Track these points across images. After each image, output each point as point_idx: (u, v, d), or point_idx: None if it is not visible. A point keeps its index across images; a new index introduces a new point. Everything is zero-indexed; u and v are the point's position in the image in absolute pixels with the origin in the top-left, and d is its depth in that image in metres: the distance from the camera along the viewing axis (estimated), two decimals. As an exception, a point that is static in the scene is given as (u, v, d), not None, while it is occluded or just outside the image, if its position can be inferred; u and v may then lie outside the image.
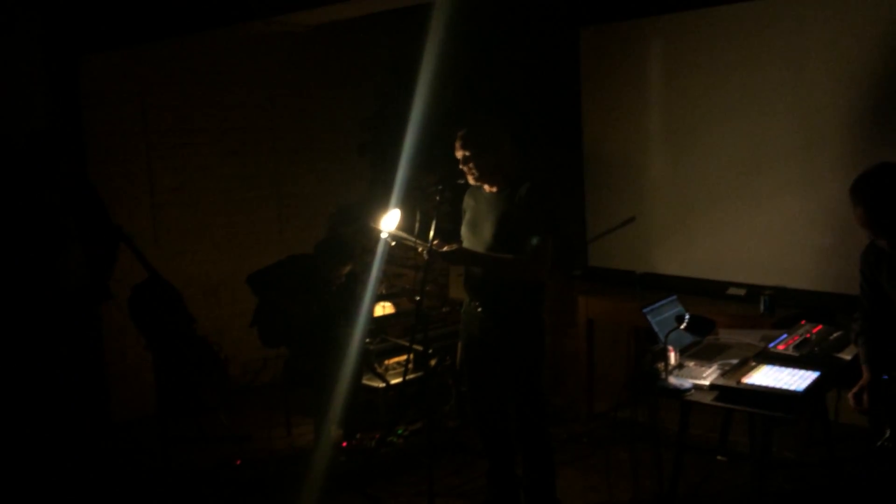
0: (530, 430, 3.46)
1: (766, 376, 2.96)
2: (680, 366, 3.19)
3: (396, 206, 3.72)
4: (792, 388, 2.82)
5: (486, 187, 3.47)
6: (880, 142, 3.88)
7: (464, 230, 3.57)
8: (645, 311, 3.38)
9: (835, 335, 3.38)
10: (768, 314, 4.05)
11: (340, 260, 4.31)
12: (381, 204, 3.84)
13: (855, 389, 2.73)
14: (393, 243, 3.61)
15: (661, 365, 3.12)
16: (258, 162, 5.72)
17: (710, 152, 4.54)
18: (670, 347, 3.15)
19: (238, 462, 4.35)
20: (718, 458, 4.07)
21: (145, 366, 4.53)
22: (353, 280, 4.36)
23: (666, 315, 3.37)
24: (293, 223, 5.84)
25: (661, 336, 3.18)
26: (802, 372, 2.95)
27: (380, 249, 3.97)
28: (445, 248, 3.38)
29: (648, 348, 3.30)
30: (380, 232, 3.57)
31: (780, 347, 3.24)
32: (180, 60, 5.26)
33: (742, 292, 4.39)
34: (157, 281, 4.24)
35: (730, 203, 4.48)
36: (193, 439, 4.61)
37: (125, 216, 4.81)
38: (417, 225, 3.54)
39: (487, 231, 3.40)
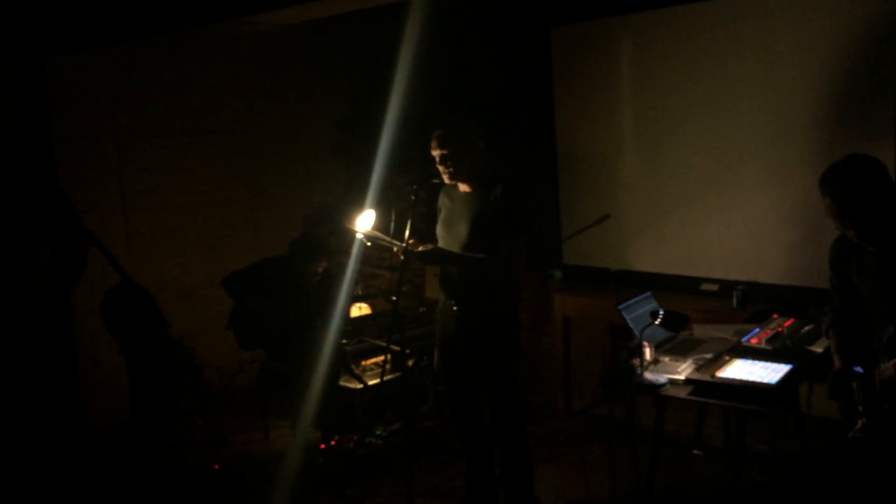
0: (507, 429, 3.48)
1: (740, 370, 2.99)
2: (655, 361, 3.22)
3: (371, 206, 3.72)
4: (765, 380, 2.86)
5: (461, 186, 3.47)
6: (848, 136, 3.93)
7: (439, 229, 3.57)
8: (620, 307, 3.41)
9: (806, 328, 3.43)
10: (741, 309, 4.10)
11: (314, 256, 4.29)
12: (356, 205, 3.83)
13: (830, 380, 2.76)
14: (368, 244, 3.60)
15: (636, 361, 3.15)
16: (231, 164, 5.68)
17: (681, 149, 4.58)
18: (645, 343, 3.18)
19: (216, 467, 4.31)
20: (694, 452, 4.11)
21: (119, 371, 4.48)
22: (330, 281, 4.34)
23: (641, 311, 3.41)
24: (267, 225, 5.81)
25: (637, 332, 3.20)
26: (775, 365, 2.99)
27: (355, 250, 3.95)
28: (421, 248, 3.38)
29: (624, 344, 3.32)
30: (355, 232, 3.57)
31: (753, 341, 3.29)
32: (151, 62, 5.21)
33: (715, 288, 4.44)
34: (130, 285, 4.19)
35: (702, 199, 4.53)
36: (170, 445, 4.57)
37: (96, 220, 4.77)
38: (392, 225, 3.54)
39: (462, 230, 3.40)
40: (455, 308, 3.46)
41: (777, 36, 4.14)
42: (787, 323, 3.49)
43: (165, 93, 5.34)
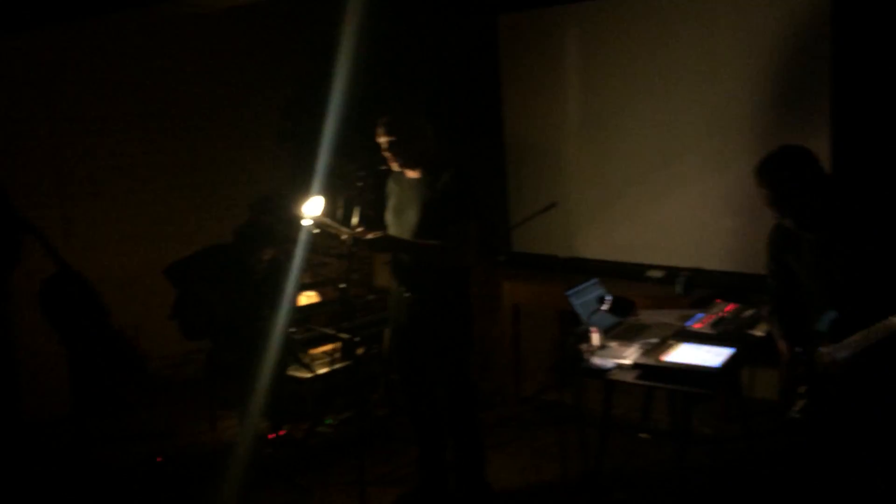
0: (460, 415, 3.49)
1: (685, 354, 3.05)
2: (603, 346, 3.26)
3: (317, 192, 3.67)
4: (709, 364, 2.92)
5: (410, 173, 3.46)
6: (785, 127, 4.03)
7: (388, 217, 3.55)
8: (568, 293, 3.44)
9: (748, 313, 3.51)
10: (685, 295, 4.18)
11: (261, 244, 4.23)
12: (304, 192, 3.77)
13: (781, 367, 2.82)
14: (316, 230, 3.56)
15: (584, 346, 3.19)
16: (174, 150, 5.55)
17: (627, 139, 4.64)
18: (593, 328, 3.23)
19: (159, 459, 4.23)
20: (641, 435, 4.19)
21: (60, 363, 4.35)
22: (277, 269, 4.28)
23: (588, 297, 3.45)
24: (212, 213, 5.69)
25: (585, 318, 3.24)
26: (718, 349, 3.06)
27: (302, 237, 3.90)
28: (370, 236, 3.35)
29: (572, 330, 3.36)
30: (302, 219, 3.52)
31: (697, 326, 3.35)
32: (89, 45, 5.05)
33: (660, 274, 4.51)
34: (68, 274, 4.07)
35: (647, 188, 4.60)
36: (112, 437, 4.47)
37: (32, 208, 4.60)
38: (340, 212, 3.50)
39: (412, 217, 3.39)
40: (407, 295, 3.45)
41: (716, 29, 4.23)
42: (730, 308, 3.57)
43: (104, 77, 5.18)
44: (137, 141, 5.37)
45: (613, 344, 3.29)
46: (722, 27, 4.20)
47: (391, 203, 3.56)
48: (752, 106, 4.17)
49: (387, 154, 3.40)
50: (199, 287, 4.23)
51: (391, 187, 3.58)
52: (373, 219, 3.79)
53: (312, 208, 3.52)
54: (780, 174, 2.61)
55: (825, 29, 3.86)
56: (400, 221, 3.46)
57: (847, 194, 2.74)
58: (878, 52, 3.82)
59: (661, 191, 4.55)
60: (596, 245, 4.85)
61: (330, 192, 3.86)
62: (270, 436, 4.34)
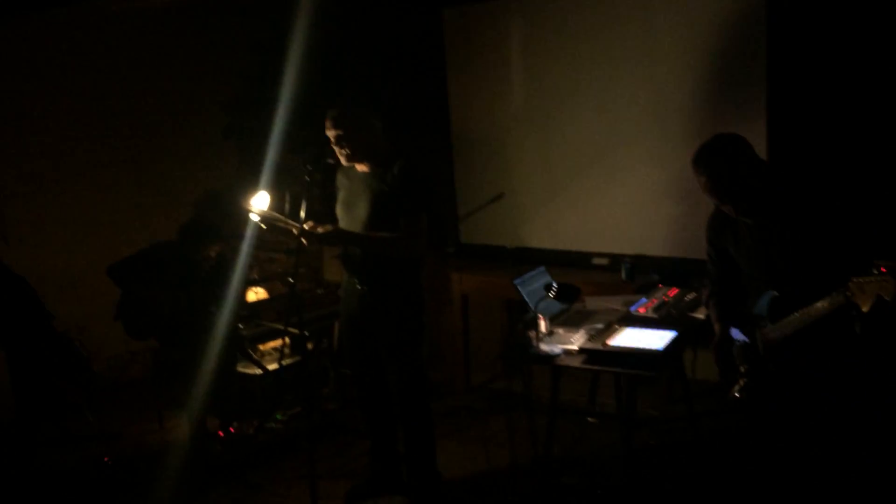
0: (411, 406, 3.51)
1: (629, 338, 3.13)
2: (550, 333, 3.32)
3: (265, 188, 3.65)
4: (652, 347, 3.00)
5: (359, 166, 3.46)
6: (723, 116, 4.14)
7: (338, 210, 3.55)
8: (516, 282, 3.49)
9: (689, 297, 3.61)
10: (629, 281, 4.27)
11: (206, 240, 4.18)
12: (250, 187, 3.75)
13: (713, 348, 2.91)
14: (263, 225, 3.55)
15: (532, 333, 3.24)
16: (116, 147, 5.45)
17: (571, 129, 4.71)
18: (540, 316, 3.28)
19: (106, 460, 4.16)
20: (589, 419, 4.27)
21: (1, 366, 4.25)
22: (224, 265, 4.24)
23: (536, 286, 3.50)
24: (156, 210, 5.60)
25: (532, 305, 3.29)
26: (661, 332, 3.15)
27: (249, 232, 3.88)
28: (321, 230, 3.35)
29: (520, 318, 3.40)
30: (249, 213, 3.50)
31: (641, 310, 3.44)
32: (26, 42, 4.92)
33: (605, 261, 4.61)
34: (8, 276, 3.97)
35: (591, 177, 4.68)
36: (58, 440, 4.38)
37: (-32, 208, 4.48)
38: (287, 206, 3.49)
39: (362, 210, 3.40)
40: (359, 286, 3.46)
41: (655, 20, 4.31)
42: (672, 292, 3.66)
43: (43, 75, 5.05)
44: (78, 138, 5.26)
45: (560, 330, 3.35)
46: (660, 18, 4.29)
47: (341, 196, 3.56)
48: (692, 95, 4.27)
49: (335, 147, 3.40)
50: (144, 286, 4.17)
51: (340, 181, 3.58)
52: (321, 213, 3.79)
53: (259, 203, 3.51)
54: (715, 161, 2.67)
55: (760, 18, 3.96)
56: (350, 215, 3.47)
57: (783, 179, 2.81)
58: (812, 39, 3.94)
59: (604, 180, 4.63)
60: (542, 234, 4.92)
61: (277, 187, 3.86)
62: (220, 433, 4.31)
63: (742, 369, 2.83)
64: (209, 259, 4.22)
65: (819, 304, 2.50)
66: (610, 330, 3.24)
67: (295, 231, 3.35)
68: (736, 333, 2.87)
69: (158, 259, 4.24)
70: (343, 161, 3.44)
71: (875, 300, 2.29)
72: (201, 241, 4.18)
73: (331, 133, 3.37)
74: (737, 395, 2.84)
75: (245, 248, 4.06)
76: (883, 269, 2.32)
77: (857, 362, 2.71)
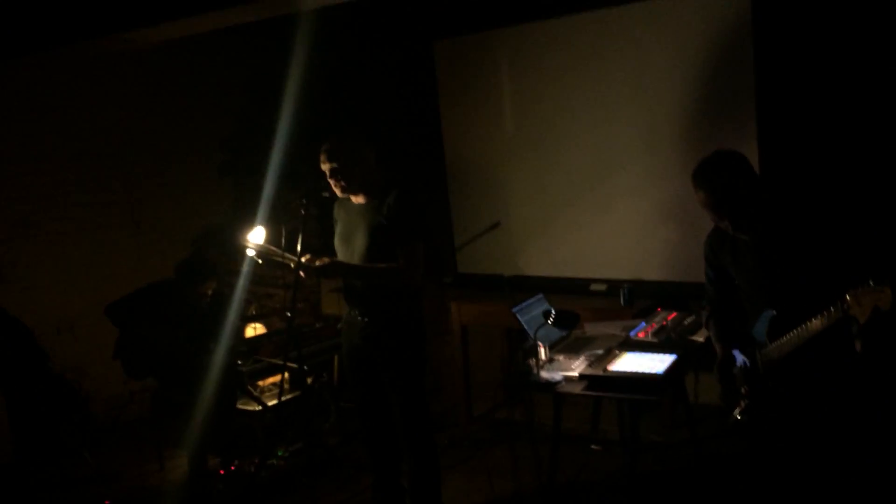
0: (416, 437, 3.48)
1: (629, 363, 3.12)
2: (550, 360, 3.31)
3: (262, 223, 3.66)
4: (653, 371, 2.99)
5: (355, 198, 3.47)
6: (715, 137, 4.15)
7: (336, 243, 3.56)
8: (514, 310, 3.49)
9: (688, 320, 3.61)
10: (628, 306, 4.27)
11: (202, 277, 4.18)
12: (247, 223, 3.76)
13: (716, 367, 2.90)
14: (260, 261, 3.55)
15: (532, 361, 3.23)
16: (111, 188, 5.47)
17: (564, 156, 4.74)
18: (540, 343, 3.27)
19: (107, 502, 4.11)
20: (593, 447, 4.24)
21: (-2, 410, 4.22)
22: (221, 302, 4.23)
23: (534, 313, 3.50)
24: (154, 250, 5.61)
25: (531, 333, 3.29)
26: (661, 356, 3.14)
27: (245, 268, 3.88)
28: (319, 263, 3.35)
29: (520, 346, 3.39)
30: (246, 249, 3.51)
31: (640, 335, 3.43)
32: (19, 82, 4.95)
33: (603, 287, 4.60)
34: (3, 318, 3.96)
35: (586, 203, 4.70)
36: (56, 483, 4.33)
37: (-36, 251, 4.48)
38: (283, 241, 3.49)
39: (360, 242, 3.40)
40: (360, 318, 3.45)
41: (643, 45, 4.36)
42: (671, 316, 3.66)
43: (38, 116, 5.09)
44: (73, 180, 5.28)
45: (560, 357, 3.34)
46: (649, 43, 4.34)
47: (338, 230, 3.56)
48: (683, 119, 4.31)
49: (331, 180, 3.41)
50: (142, 325, 4.15)
51: (338, 214, 3.59)
52: (318, 247, 3.79)
53: (255, 238, 3.52)
54: (717, 176, 2.69)
55: (747, 40, 4.02)
56: (348, 247, 3.47)
57: (778, 196, 2.83)
58: (799, 59, 3.99)
59: (599, 206, 4.65)
60: (539, 262, 4.92)
61: (273, 222, 3.86)
62: (221, 472, 4.27)
63: (743, 391, 2.82)
64: (205, 296, 4.22)
65: (815, 322, 2.50)
66: (610, 355, 3.23)
67: (292, 265, 3.35)
68: (737, 355, 2.87)
69: (156, 298, 4.23)
70: (338, 194, 3.45)
71: (872, 311, 2.30)
72: (196, 279, 4.18)
73: (325, 166, 3.39)
74: (738, 417, 2.83)
75: (242, 283, 4.06)
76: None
77: (858, 380, 2.71)
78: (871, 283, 2.31)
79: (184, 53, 5.50)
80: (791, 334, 2.60)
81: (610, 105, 4.52)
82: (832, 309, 2.42)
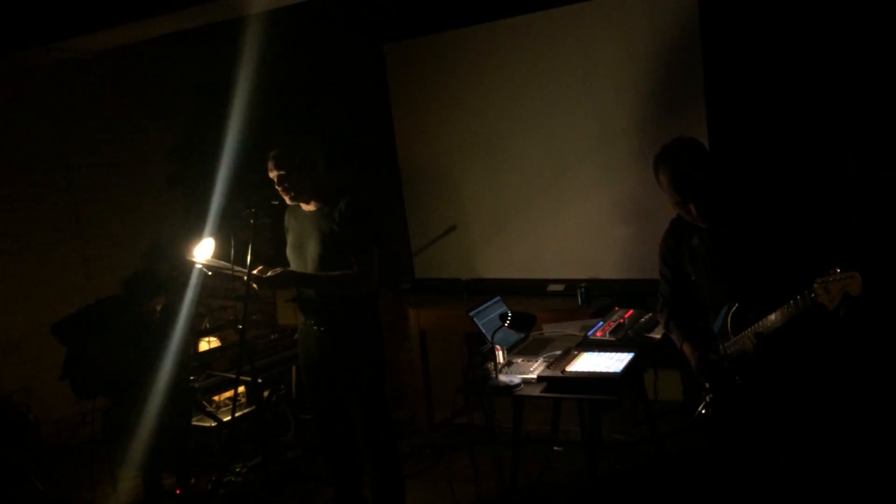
0: (378, 446, 3.42)
1: (587, 362, 3.11)
2: (509, 363, 3.28)
3: (211, 234, 3.58)
4: (611, 370, 2.97)
5: (305, 206, 3.41)
6: (665, 135, 4.15)
7: (288, 252, 3.49)
8: (471, 313, 3.45)
9: (645, 317, 3.61)
10: (586, 305, 4.26)
11: (151, 292, 4.07)
12: (198, 235, 3.67)
13: (696, 368, 2.84)
14: (209, 273, 3.46)
15: (490, 365, 3.19)
16: (57, 202, 5.30)
17: (518, 158, 4.72)
18: (498, 346, 3.24)
19: (59, 529, 3.98)
20: (555, 448, 4.22)
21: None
22: (170, 317, 4.12)
23: (491, 316, 3.46)
24: (102, 265, 5.45)
25: (488, 336, 3.25)
26: (619, 354, 3.13)
27: (194, 280, 3.78)
28: (270, 273, 3.28)
29: (477, 350, 3.36)
30: (194, 263, 3.42)
31: (598, 334, 3.42)
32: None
33: (561, 288, 4.60)
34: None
35: (542, 205, 4.69)
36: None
37: None
38: (233, 252, 3.41)
39: (313, 250, 3.34)
40: (316, 327, 3.38)
41: (593, 43, 4.37)
42: (628, 314, 3.66)
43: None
44: (14, 194, 5.10)
45: (519, 360, 3.32)
46: (598, 41, 4.35)
47: (290, 238, 3.50)
48: (634, 116, 4.32)
49: (279, 188, 3.35)
50: (90, 343, 4.02)
51: (289, 222, 3.52)
52: (271, 257, 3.71)
53: (203, 251, 3.43)
54: (678, 157, 2.68)
55: (695, 38, 4.04)
56: (300, 256, 3.41)
57: (737, 187, 2.84)
58: (746, 53, 4.03)
59: (554, 206, 4.64)
60: (497, 265, 4.90)
61: (224, 233, 3.77)
62: (177, 491, 4.15)
63: (707, 385, 2.82)
64: (154, 312, 4.10)
65: (780, 312, 2.50)
66: (568, 356, 3.21)
67: (244, 277, 3.27)
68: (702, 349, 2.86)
69: (104, 314, 4.11)
70: (287, 201, 3.39)
71: (842, 298, 2.30)
72: (146, 295, 4.07)
73: (273, 174, 3.33)
74: (703, 412, 2.83)
75: (191, 297, 3.96)
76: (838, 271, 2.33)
77: (829, 371, 2.73)
78: (839, 269, 2.31)
79: (128, 61, 5.38)
80: (756, 326, 2.60)
81: (562, 104, 4.52)
82: (798, 298, 2.42)
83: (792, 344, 2.62)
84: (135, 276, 4.23)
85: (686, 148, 2.72)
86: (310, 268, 3.34)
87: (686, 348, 2.89)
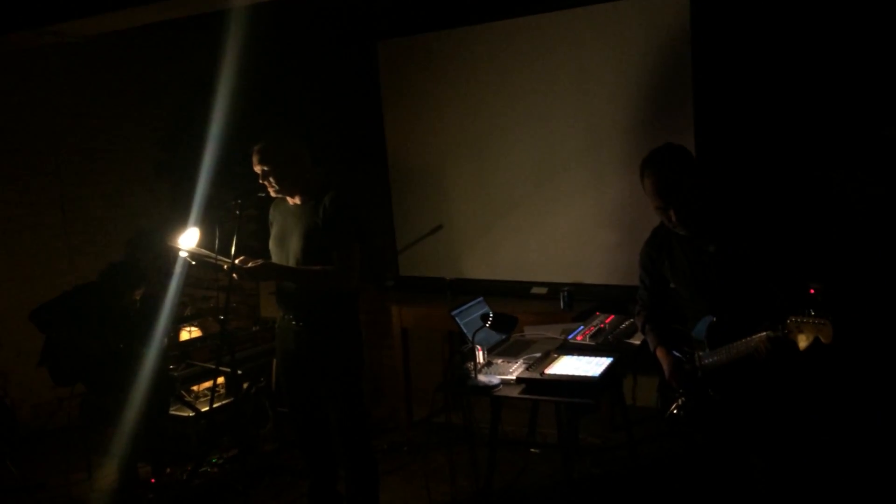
0: (353, 443, 3.42)
1: (567, 366, 3.12)
2: (488, 364, 3.29)
3: (196, 224, 3.57)
4: (589, 374, 2.99)
5: (290, 200, 3.41)
6: (653, 142, 4.19)
7: (271, 245, 3.48)
8: (453, 313, 3.46)
9: (625, 323, 3.63)
10: (568, 309, 4.28)
11: (129, 283, 4.05)
12: (183, 225, 3.66)
13: (668, 372, 2.90)
14: (193, 262, 3.46)
15: (470, 364, 3.21)
16: (42, 186, 5.26)
17: (507, 160, 4.74)
18: (478, 346, 3.25)
19: (31, 514, 3.96)
20: (532, 451, 4.24)
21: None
22: (151, 305, 4.10)
23: (473, 316, 3.47)
24: (85, 252, 5.42)
25: (469, 336, 3.26)
26: (598, 359, 3.15)
27: (178, 269, 3.77)
28: (251, 265, 3.28)
29: (457, 349, 3.37)
30: (178, 251, 3.41)
31: (578, 338, 3.44)
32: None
33: (544, 291, 4.61)
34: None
35: (528, 207, 4.70)
36: (-24, 495, 4.16)
37: None
38: (217, 242, 3.40)
39: (295, 244, 3.33)
40: (294, 322, 3.38)
41: (585, 48, 4.39)
42: (609, 319, 3.68)
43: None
44: (0, 178, 5.07)
45: (499, 361, 3.33)
46: (590, 48, 4.37)
47: (273, 231, 3.49)
48: (623, 123, 4.34)
49: (264, 182, 3.34)
50: (68, 329, 4.00)
51: (273, 216, 3.52)
52: (257, 249, 3.71)
53: (188, 240, 3.42)
54: (663, 163, 2.71)
55: (685, 46, 4.06)
56: (283, 249, 3.40)
57: (719, 199, 2.87)
58: (736, 62, 4.06)
59: (541, 209, 4.66)
60: (481, 265, 4.91)
61: (210, 223, 3.77)
62: (152, 480, 4.14)
63: (680, 389, 2.85)
64: (133, 302, 4.09)
65: (754, 339, 2.54)
66: (548, 359, 3.22)
67: (225, 267, 3.27)
68: (675, 354, 2.89)
69: (83, 301, 4.08)
70: (272, 194, 3.38)
71: (813, 342, 2.36)
72: (123, 282, 4.05)
73: (257, 168, 3.32)
74: (674, 412, 2.86)
75: (174, 286, 3.94)
76: (812, 291, 2.37)
77: (795, 395, 2.77)
78: (812, 312, 2.35)
79: (120, 49, 5.35)
80: (731, 346, 2.64)
81: (551, 108, 4.54)
82: (774, 330, 2.46)
83: (744, 380, 2.67)
84: (114, 266, 4.21)
85: (673, 154, 2.75)
86: (291, 261, 3.34)
87: (660, 353, 2.94)
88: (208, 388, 4.56)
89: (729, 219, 2.76)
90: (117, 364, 4.00)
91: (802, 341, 2.37)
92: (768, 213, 3.51)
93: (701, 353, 2.78)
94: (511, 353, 3.43)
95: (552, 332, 3.69)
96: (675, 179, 2.68)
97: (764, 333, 2.52)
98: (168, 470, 4.25)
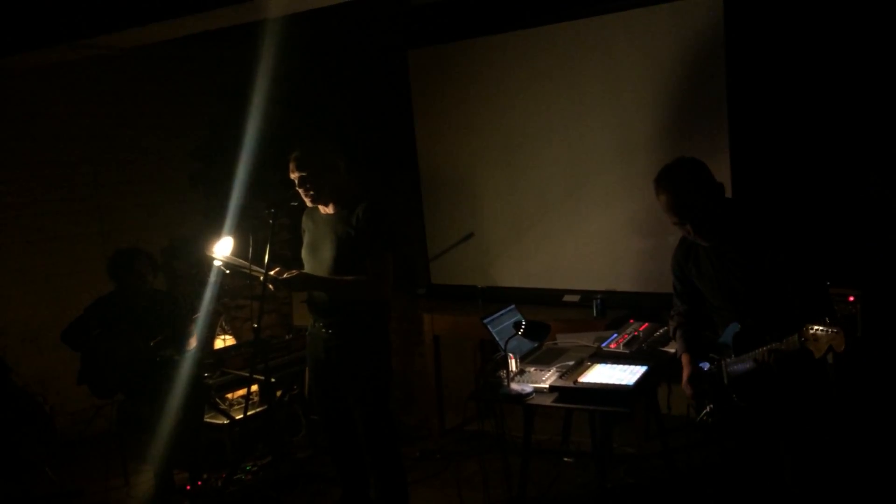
0: (380, 451, 3.44)
1: (600, 374, 3.10)
2: (521, 372, 3.28)
3: (230, 233, 3.61)
4: (623, 382, 2.97)
5: (324, 209, 3.43)
6: (686, 149, 4.13)
7: (304, 254, 3.51)
8: (485, 321, 3.45)
9: (660, 331, 3.60)
10: (601, 317, 4.25)
11: (127, 266, 4.14)
12: (217, 234, 3.70)
13: (685, 379, 2.90)
14: (227, 271, 3.50)
15: (502, 373, 3.20)
16: (79, 197, 5.35)
17: (538, 167, 4.73)
18: (511, 354, 3.24)
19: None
20: (564, 459, 4.21)
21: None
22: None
23: (505, 324, 3.46)
24: (122, 261, 5.50)
25: (502, 344, 3.26)
26: (633, 367, 3.12)
27: (212, 278, 3.82)
28: (286, 275, 3.31)
29: (490, 358, 3.36)
30: (213, 260, 3.45)
31: (612, 346, 3.41)
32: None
33: (576, 298, 4.59)
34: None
35: (560, 215, 4.69)
36: (18, 500, 4.22)
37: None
38: (251, 252, 3.44)
39: (327, 253, 3.36)
40: (324, 330, 3.40)
41: (616, 56, 4.37)
42: (643, 327, 3.65)
43: (2, 121, 4.99)
44: (38, 189, 5.17)
45: (531, 369, 3.31)
46: (623, 55, 4.35)
47: (306, 240, 3.52)
48: (655, 130, 4.31)
49: (300, 189, 3.37)
50: (99, 341, 4.07)
51: (306, 224, 3.55)
52: (290, 258, 3.74)
53: (222, 249, 3.46)
54: (676, 180, 2.70)
55: (720, 53, 4.03)
56: (316, 258, 3.43)
57: (742, 208, 2.84)
58: (770, 71, 4.02)
59: (573, 216, 4.64)
60: (513, 273, 4.90)
61: (243, 232, 3.81)
62: (188, 487, 4.18)
63: (693, 397, 2.84)
64: (143, 281, 4.16)
65: (774, 346, 2.52)
66: (581, 367, 3.21)
67: (261, 277, 3.30)
68: (704, 365, 2.87)
69: (104, 309, 4.17)
70: (308, 203, 3.41)
71: (827, 351, 2.35)
72: (128, 270, 4.14)
73: (294, 175, 3.35)
74: (704, 418, 2.85)
75: (208, 293, 3.99)
76: (851, 298, 2.35)
77: (817, 402, 2.74)
78: (827, 320, 2.34)
79: (154, 60, 5.43)
80: (753, 353, 2.61)
81: (583, 115, 4.52)
82: (792, 337, 2.45)
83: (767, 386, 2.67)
84: (110, 260, 4.31)
85: (685, 169, 2.72)
86: (324, 271, 3.36)
87: (684, 359, 2.93)
88: (242, 396, 4.60)
89: (753, 226, 2.73)
90: (152, 371, 4.06)
91: (818, 350, 2.36)
92: (802, 220, 3.45)
93: (727, 360, 2.76)
94: (544, 361, 3.41)
95: (585, 340, 3.66)
96: (689, 195, 2.66)
97: (768, 346, 2.53)
98: (203, 477, 4.29)
